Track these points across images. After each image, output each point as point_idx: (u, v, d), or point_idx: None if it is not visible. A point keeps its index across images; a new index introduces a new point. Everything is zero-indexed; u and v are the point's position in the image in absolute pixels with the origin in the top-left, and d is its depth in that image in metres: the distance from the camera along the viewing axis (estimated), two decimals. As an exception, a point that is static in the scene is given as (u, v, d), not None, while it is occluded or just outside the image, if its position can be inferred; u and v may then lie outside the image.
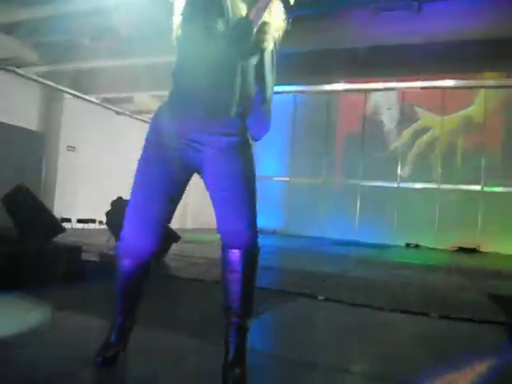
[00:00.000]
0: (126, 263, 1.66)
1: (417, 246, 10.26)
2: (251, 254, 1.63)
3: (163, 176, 1.61)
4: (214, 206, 1.65)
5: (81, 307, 2.42)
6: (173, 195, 1.65)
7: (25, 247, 3.24)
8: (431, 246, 10.09)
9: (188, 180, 1.70)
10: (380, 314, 2.94)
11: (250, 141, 1.75)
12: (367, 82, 10.42)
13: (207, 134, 1.61)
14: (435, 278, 5.24)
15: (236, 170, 1.62)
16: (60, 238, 4.49)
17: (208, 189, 1.66)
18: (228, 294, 1.61)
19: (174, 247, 5.13)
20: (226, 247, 1.63)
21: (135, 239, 1.64)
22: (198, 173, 1.68)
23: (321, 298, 3.21)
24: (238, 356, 1.55)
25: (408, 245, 10.33)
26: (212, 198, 1.65)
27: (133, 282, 1.69)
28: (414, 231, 10.41)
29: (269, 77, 1.71)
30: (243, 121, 1.69)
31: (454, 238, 10.00)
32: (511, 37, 7.78)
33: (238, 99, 1.62)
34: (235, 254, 1.60)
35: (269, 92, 1.72)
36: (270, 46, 1.71)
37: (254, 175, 1.69)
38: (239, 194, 1.62)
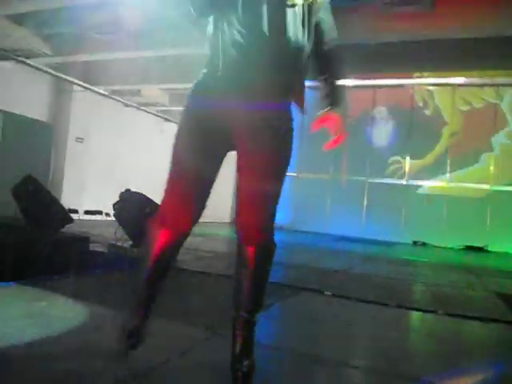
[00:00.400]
0: (163, 234, 1.61)
1: (424, 244, 10.21)
2: (266, 251, 1.60)
3: (201, 148, 1.55)
4: (236, 192, 1.60)
5: (92, 297, 2.44)
6: (210, 169, 1.60)
7: (34, 237, 3.27)
8: (438, 245, 10.04)
9: (224, 155, 1.63)
10: (386, 310, 2.93)
11: (292, 131, 1.66)
12: (377, 78, 10.34)
13: (245, 114, 1.50)
14: (442, 275, 5.21)
15: (265, 162, 1.53)
16: (68, 229, 4.52)
17: (237, 171, 1.60)
18: (239, 288, 1.59)
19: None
20: (240, 242, 1.59)
21: (175, 210, 1.61)
22: (234, 150, 1.61)
23: (327, 293, 3.21)
24: (245, 348, 1.55)
25: (415, 243, 10.28)
26: (237, 183, 1.59)
27: (166, 257, 1.65)
28: (422, 229, 10.35)
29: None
30: (288, 106, 1.62)
31: (462, 237, 9.94)
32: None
33: (282, 80, 1.53)
34: (249, 251, 1.56)
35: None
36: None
37: (284, 169, 1.62)
38: (262, 187, 1.55)
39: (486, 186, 10.14)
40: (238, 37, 1.47)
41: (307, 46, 1.59)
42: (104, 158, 10.40)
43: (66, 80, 9.85)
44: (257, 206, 1.55)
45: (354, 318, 2.76)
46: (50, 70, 9.52)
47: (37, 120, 9.46)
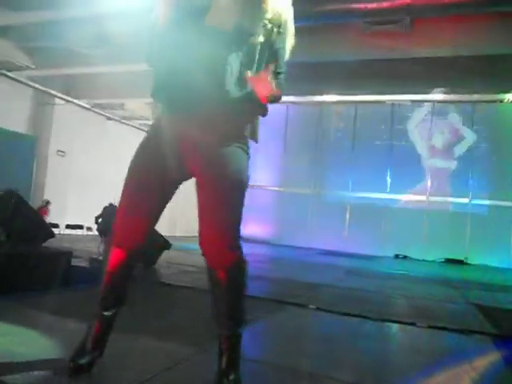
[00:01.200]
0: (115, 253, 1.63)
1: (405, 257, 10.34)
2: (237, 271, 1.58)
3: (155, 169, 1.58)
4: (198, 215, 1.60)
5: (71, 312, 2.41)
6: (163, 190, 1.63)
7: (15, 252, 3.22)
8: (419, 258, 10.18)
9: (179, 180, 1.65)
10: (369, 324, 2.97)
11: (246, 149, 1.65)
12: (358, 94, 10.56)
13: (197, 137, 1.53)
14: (423, 288, 5.29)
15: (221, 182, 1.53)
16: (49, 244, 4.45)
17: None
18: (217, 307, 1.60)
19: (165, 255, 5.11)
20: (209, 267, 1.59)
21: (126, 228, 1.63)
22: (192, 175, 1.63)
23: (312, 307, 3.24)
24: (231, 363, 1.56)
25: (397, 256, 10.41)
26: (197, 207, 1.60)
27: (119, 275, 1.64)
28: (403, 242, 10.50)
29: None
30: (239, 125, 1.60)
31: (442, 250, 10.11)
32: (500, 54, 7.98)
33: (231, 101, 1.50)
34: (220, 275, 1.56)
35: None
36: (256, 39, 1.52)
37: (241, 187, 1.58)
38: (221, 209, 1.54)
39: (465, 200, 10.37)
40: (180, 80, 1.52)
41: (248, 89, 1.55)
42: (86, 171, 10.31)
43: (48, 93, 9.79)
44: (218, 228, 1.55)
45: (338, 331, 2.79)
46: (32, 83, 9.46)
47: (18, 133, 9.35)
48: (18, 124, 9.50)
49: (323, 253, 9.49)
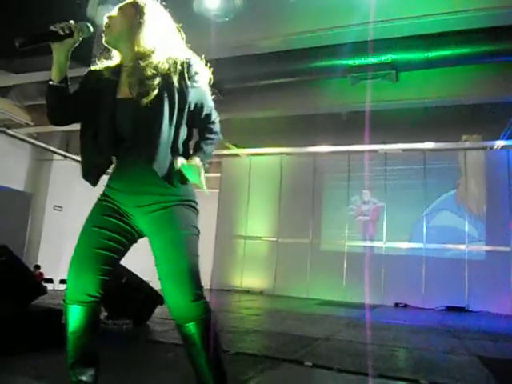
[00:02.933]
0: (72, 310, 1.60)
1: (405, 305, 10.14)
2: (203, 324, 1.57)
3: (104, 226, 1.66)
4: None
5: (61, 376, 2.32)
6: (111, 245, 1.66)
7: (1, 311, 3.14)
8: (420, 306, 9.99)
9: (130, 240, 1.71)
10: (368, 381, 2.86)
11: (193, 205, 1.72)
12: (350, 144, 10.78)
13: (137, 200, 1.65)
14: (424, 339, 5.15)
15: (168, 241, 1.60)
16: (41, 301, 4.36)
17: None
18: (196, 368, 1.58)
19: (158, 310, 5.00)
20: (177, 323, 1.60)
21: (78, 283, 1.62)
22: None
23: (308, 363, 3.13)
24: None
25: (397, 304, 10.21)
26: (156, 265, 1.64)
27: (83, 334, 1.60)
28: (402, 291, 10.33)
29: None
30: (173, 179, 1.64)
31: (442, 298, 9.93)
32: (485, 102, 8.27)
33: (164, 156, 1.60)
34: (187, 328, 1.56)
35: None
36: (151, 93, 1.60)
37: (192, 240, 1.64)
38: (176, 266, 1.57)
39: (462, 247, 10.33)
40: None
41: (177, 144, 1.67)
42: (82, 226, 10.29)
43: (46, 149, 9.96)
44: (177, 283, 1.56)
45: (335, 389, 2.68)
46: (30, 140, 9.65)
47: (15, 190, 9.41)
48: (16, 180, 9.59)
49: (321, 303, 9.30)
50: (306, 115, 9.53)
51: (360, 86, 7.44)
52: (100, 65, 1.77)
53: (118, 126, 1.65)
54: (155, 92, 1.58)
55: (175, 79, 1.62)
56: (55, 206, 10.06)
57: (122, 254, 1.72)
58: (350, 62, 6.84)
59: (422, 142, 10.24)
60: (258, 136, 11.10)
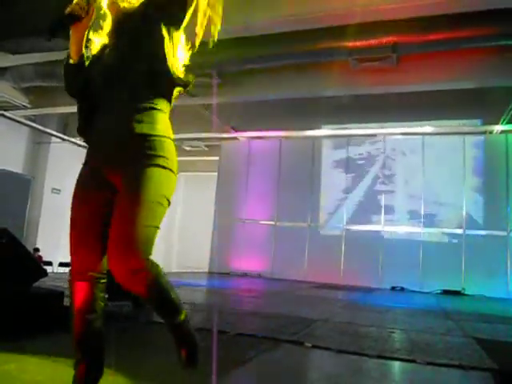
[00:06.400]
0: (78, 286, 1.63)
1: (402, 289, 10.25)
2: (150, 289, 1.56)
3: (91, 195, 1.67)
4: None
5: (65, 357, 2.35)
6: (102, 214, 1.64)
7: (2, 293, 3.16)
8: (416, 289, 10.10)
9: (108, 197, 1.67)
10: (367, 361, 2.91)
11: (166, 165, 1.62)
12: (349, 128, 10.75)
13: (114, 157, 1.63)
14: (421, 321, 5.22)
15: (132, 200, 1.54)
16: (41, 283, 4.39)
17: None
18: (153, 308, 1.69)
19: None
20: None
21: (79, 259, 1.65)
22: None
23: (308, 344, 3.18)
24: (187, 351, 1.62)
25: (393, 288, 10.31)
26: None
27: (90, 310, 1.62)
28: (400, 274, 10.42)
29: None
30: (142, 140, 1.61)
31: (439, 281, 10.03)
32: (485, 86, 8.22)
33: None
34: (138, 292, 1.57)
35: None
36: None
37: (151, 197, 1.55)
38: (123, 226, 1.53)
39: (459, 231, 10.39)
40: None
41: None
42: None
43: (43, 132, 9.89)
44: (120, 244, 1.52)
45: (335, 370, 2.73)
46: (28, 122, 9.57)
47: (13, 172, 9.38)
48: (14, 163, 9.55)
49: (318, 286, 9.39)
50: (305, 98, 9.47)
51: (360, 69, 7.37)
52: None
53: None
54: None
55: None
56: (53, 188, 10.05)
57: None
58: (351, 44, 6.77)
59: (422, 126, 10.22)
60: (257, 119, 11.05)
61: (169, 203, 1.63)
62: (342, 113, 10.12)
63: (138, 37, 1.66)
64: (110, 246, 1.53)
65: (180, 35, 1.73)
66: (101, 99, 1.68)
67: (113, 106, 1.65)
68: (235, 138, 12.41)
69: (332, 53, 6.85)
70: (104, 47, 1.74)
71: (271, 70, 7.68)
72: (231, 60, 6.96)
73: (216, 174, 12.48)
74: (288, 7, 5.87)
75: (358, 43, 6.60)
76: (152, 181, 1.56)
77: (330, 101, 9.58)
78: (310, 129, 11.11)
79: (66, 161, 10.10)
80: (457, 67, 7.46)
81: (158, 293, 1.59)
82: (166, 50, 1.65)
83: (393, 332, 4.17)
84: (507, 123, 9.58)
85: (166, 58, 1.64)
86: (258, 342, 3.13)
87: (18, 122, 9.37)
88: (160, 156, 1.60)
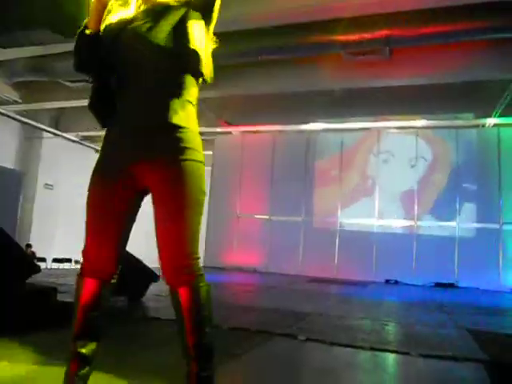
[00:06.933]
0: (87, 283, 1.59)
1: (396, 282, 10.31)
2: (197, 292, 1.55)
3: (114, 189, 1.59)
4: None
5: (57, 354, 2.34)
6: (123, 212, 1.61)
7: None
8: (410, 282, 10.16)
9: (138, 198, 1.64)
10: (362, 354, 2.92)
11: (200, 158, 1.61)
12: (344, 122, 10.74)
13: (140, 148, 1.55)
14: (414, 314, 5.26)
15: (176, 200, 1.52)
16: (34, 279, 4.36)
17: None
18: (183, 338, 1.55)
19: (153, 287, 5.03)
20: (170, 288, 1.57)
21: (95, 256, 1.60)
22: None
23: (301, 337, 3.18)
24: None
25: (387, 281, 10.37)
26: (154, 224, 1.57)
27: (93, 308, 1.59)
28: (393, 267, 10.48)
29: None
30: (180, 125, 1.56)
31: (432, 274, 10.10)
32: (478, 80, 8.24)
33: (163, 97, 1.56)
34: (180, 295, 1.54)
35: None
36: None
37: (197, 204, 1.56)
38: (173, 224, 1.52)
39: (453, 224, 10.45)
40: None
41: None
42: (74, 204, 10.22)
43: (35, 127, 9.81)
44: (171, 243, 1.53)
45: (329, 363, 2.74)
46: (19, 117, 9.48)
47: (5, 168, 9.30)
48: (5, 158, 9.46)
49: (313, 280, 9.42)
50: (299, 92, 9.45)
51: (353, 62, 7.36)
52: None
53: None
54: None
55: None
56: (46, 184, 9.98)
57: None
58: (343, 37, 6.74)
59: (415, 119, 10.25)
60: (250, 114, 11.02)
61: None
62: (335, 107, 10.12)
63: (174, 22, 1.58)
64: (161, 245, 1.53)
65: (211, 27, 1.70)
66: (125, 81, 1.59)
67: (141, 92, 1.57)
68: (229, 133, 12.37)
69: (325, 46, 6.83)
70: (127, 23, 1.62)
71: (264, 63, 7.64)
72: (223, 53, 6.90)
73: (210, 168, 12.45)
74: (280, 0, 5.84)
75: (350, 36, 6.58)
76: (194, 176, 1.55)
77: (323, 95, 9.57)
78: (304, 123, 11.10)
79: (59, 156, 10.03)
80: (450, 60, 7.47)
81: (197, 302, 1.54)
82: (202, 40, 1.62)
83: (386, 325, 4.19)
84: (499, 116, 9.62)
85: (202, 47, 1.61)
86: (251, 335, 3.14)
87: (9, 117, 9.28)
88: (195, 149, 1.58)
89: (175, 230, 1.52)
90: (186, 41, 1.57)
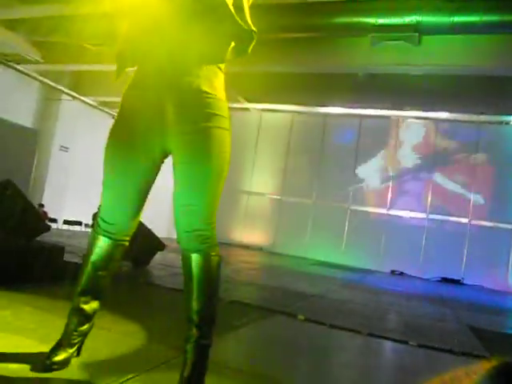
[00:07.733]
0: (101, 242, 1.59)
1: (401, 273, 10.27)
2: (209, 259, 1.55)
3: (133, 152, 1.56)
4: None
5: (59, 308, 2.38)
6: (144, 173, 1.59)
7: (3, 244, 3.19)
8: (416, 275, 10.12)
9: (159, 159, 1.60)
10: (359, 338, 2.92)
11: (226, 124, 1.57)
12: (363, 108, 10.56)
13: (168, 102, 1.52)
14: (417, 306, 5.24)
15: (200, 165, 1.51)
16: (43, 238, 4.42)
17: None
18: (188, 300, 1.55)
19: (159, 256, 5.08)
20: (182, 250, 1.57)
21: (112, 215, 1.59)
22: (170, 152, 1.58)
23: (301, 317, 3.19)
24: (194, 375, 1.48)
25: (393, 272, 10.34)
26: (174, 183, 1.55)
27: (102, 266, 1.60)
28: (400, 259, 10.44)
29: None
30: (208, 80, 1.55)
31: (439, 269, 10.04)
32: (506, 75, 7.98)
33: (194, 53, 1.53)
34: (192, 259, 1.54)
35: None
36: None
37: (221, 172, 1.55)
38: (196, 190, 1.51)
39: (464, 220, 10.32)
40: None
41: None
42: (88, 168, 10.29)
43: (54, 88, 9.82)
44: (192, 208, 1.52)
45: (325, 344, 2.74)
46: (39, 77, 9.49)
47: (22, 126, 9.36)
48: (24, 117, 9.51)
49: (319, 264, 9.44)
50: (321, 74, 9.26)
51: (380, 47, 7.16)
52: None
53: None
54: None
55: None
56: (61, 146, 10.04)
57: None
58: (373, 20, 6.55)
59: (437, 111, 10.02)
60: (270, 92, 10.87)
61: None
62: (356, 92, 9.92)
63: None
64: (180, 209, 1.52)
65: None
66: (158, 31, 1.54)
67: (173, 49, 1.52)
68: (246, 109, 12.26)
69: (352, 28, 6.64)
70: None
71: (287, 40, 7.47)
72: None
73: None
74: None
75: (380, 20, 6.39)
76: (222, 145, 1.54)
77: (345, 78, 9.37)
78: (323, 105, 10.93)
79: (76, 119, 10.05)
80: (481, 53, 7.22)
81: (208, 269, 1.55)
82: (244, 3, 1.63)
83: (388, 313, 4.18)
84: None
85: (243, 10, 1.62)
86: (251, 310, 3.15)
87: (30, 76, 9.29)
88: (223, 116, 1.56)
89: (197, 196, 1.51)
90: (242, 16, 1.59)
